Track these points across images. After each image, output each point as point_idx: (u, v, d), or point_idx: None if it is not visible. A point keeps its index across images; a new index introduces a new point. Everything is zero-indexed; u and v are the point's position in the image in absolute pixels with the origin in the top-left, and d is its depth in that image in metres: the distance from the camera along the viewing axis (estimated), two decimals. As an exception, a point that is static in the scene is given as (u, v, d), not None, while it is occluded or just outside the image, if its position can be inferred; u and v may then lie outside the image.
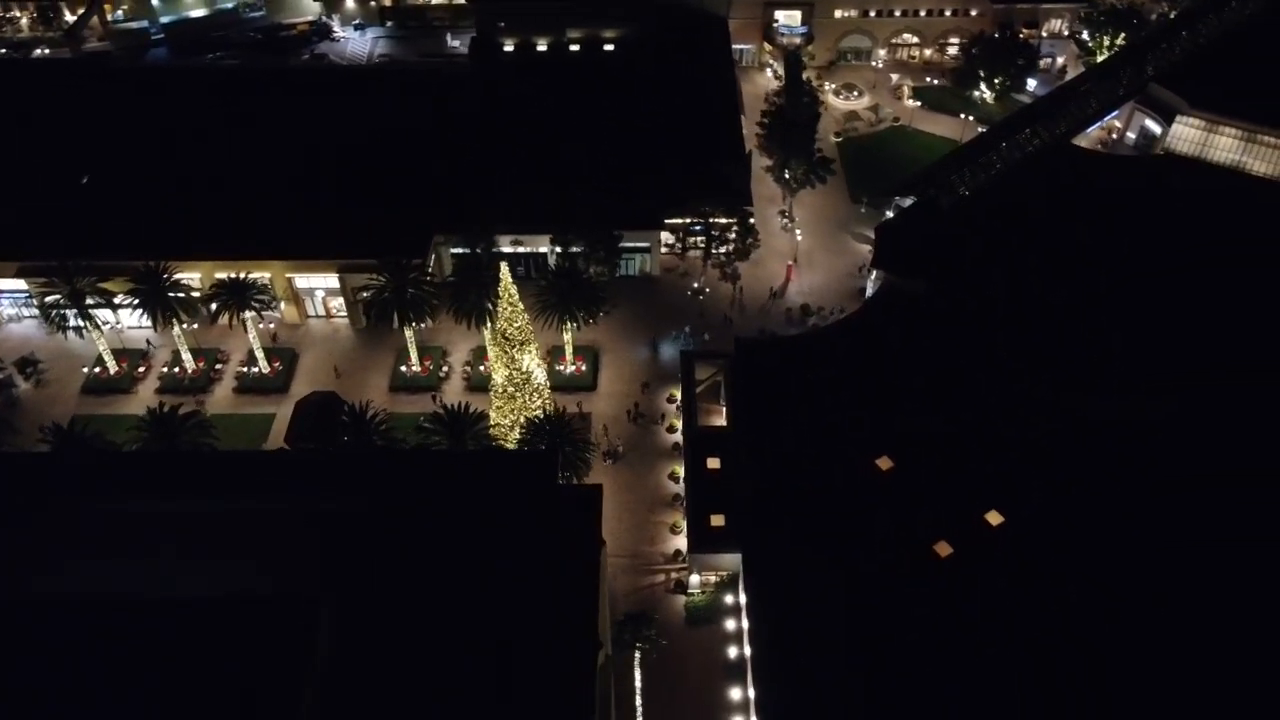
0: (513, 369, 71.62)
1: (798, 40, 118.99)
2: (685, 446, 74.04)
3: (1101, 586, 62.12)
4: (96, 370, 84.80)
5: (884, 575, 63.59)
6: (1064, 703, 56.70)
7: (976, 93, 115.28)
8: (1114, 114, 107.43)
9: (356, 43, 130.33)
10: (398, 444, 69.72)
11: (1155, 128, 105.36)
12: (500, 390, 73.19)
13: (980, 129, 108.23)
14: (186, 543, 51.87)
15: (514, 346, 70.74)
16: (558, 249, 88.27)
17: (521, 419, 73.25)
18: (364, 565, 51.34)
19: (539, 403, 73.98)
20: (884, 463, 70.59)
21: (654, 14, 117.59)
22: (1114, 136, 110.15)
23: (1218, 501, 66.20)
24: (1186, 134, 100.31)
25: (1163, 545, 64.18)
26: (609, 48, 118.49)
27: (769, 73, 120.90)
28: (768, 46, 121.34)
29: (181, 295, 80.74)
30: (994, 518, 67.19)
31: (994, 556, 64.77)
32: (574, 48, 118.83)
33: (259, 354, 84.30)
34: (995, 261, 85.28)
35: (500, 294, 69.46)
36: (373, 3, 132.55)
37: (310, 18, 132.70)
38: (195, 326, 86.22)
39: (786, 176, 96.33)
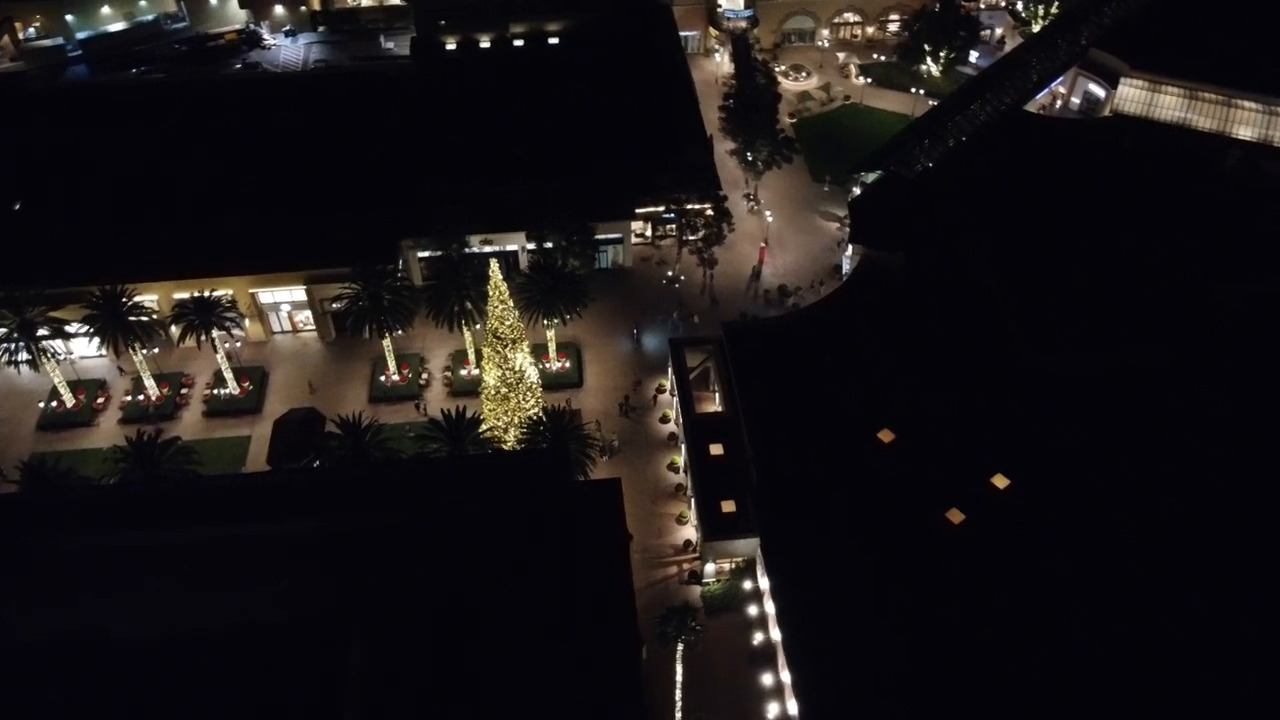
0: (506, 369, 69.58)
1: (743, 24, 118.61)
2: (685, 435, 72.86)
3: (1114, 543, 62.82)
4: (53, 404, 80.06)
5: (902, 547, 63.40)
6: (1093, 660, 57.14)
7: (923, 67, 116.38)
8: (1059, 80, 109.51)
9: (289, 50, 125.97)
10: (395, 455, 67.06)
11: (1099, 91, 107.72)
12: (493, 392, 71.05)
13: (931, 102, 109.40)
14: (209, 573, 48.95)
15: (506, 345, 68.73)
16: (532, 245, 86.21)
17: (516, 419, 71.36)
18: (394, 578, 49.00)
19: (533, 402, 72.12)
20: (886, 436, 70.45)
21: (597, 5, 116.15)
22: (1058, 103, 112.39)
23: (1216, 450, 67.66)
24: (1132, 95, 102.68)
25: (1167, 498, 65.20)
26: (553, 41, 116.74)
27: (717, 58, 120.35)
28: (713, 32, 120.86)
29: (143, 319, 76.53)
30: (1000, 481, 67.58)
31: (1006, 520, 65.10)
32: (518, 43, 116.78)
33: (228, 374, 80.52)
34: (968, 229, 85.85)
35: (490, 292, 67.38)
36: (303, 8, 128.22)
37: (237, 26, 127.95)
38: (156, 351, 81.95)
39: (751, 159, 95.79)
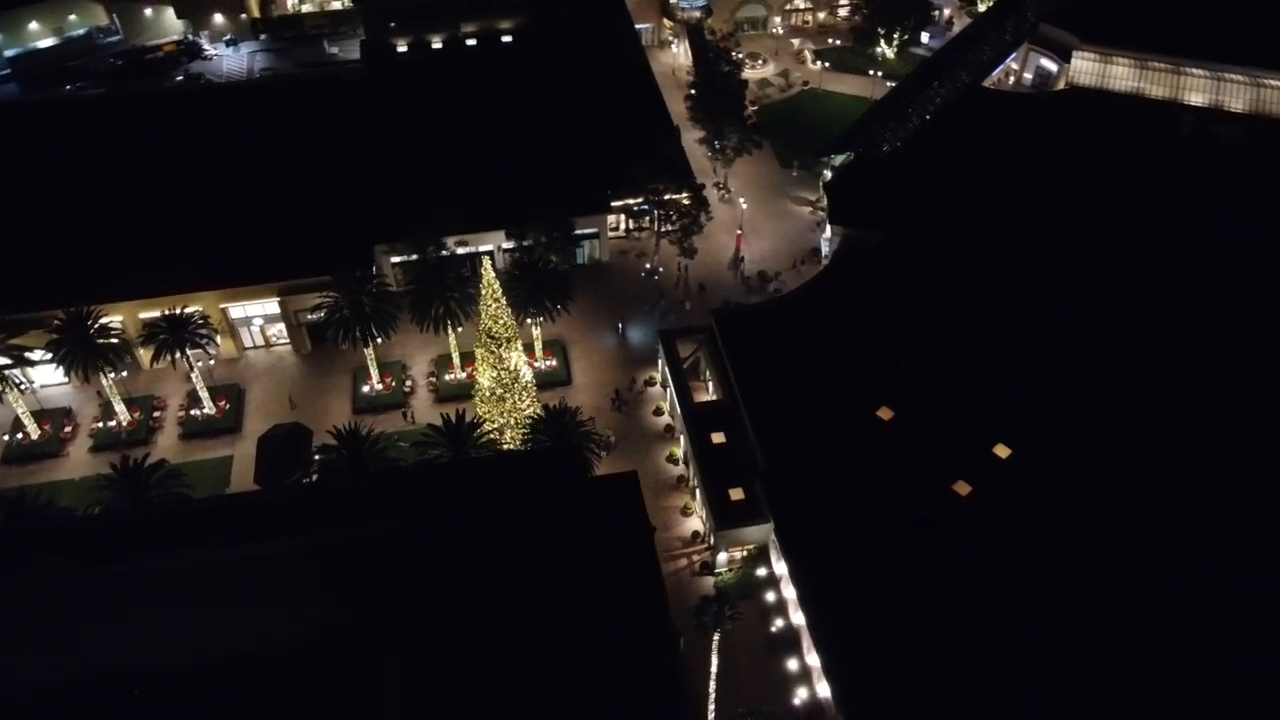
0: (501, 369, 67.99)
1: (697, 14, 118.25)
2: (686, 425, 71.96)
3: (1115, 507, 63.49)
4: (18, 437, 76.16)
5: (914, 521, 63.36)
6: (1112, 625, 57.69)
7: (878, 49, 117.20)
8: (1012, 56, 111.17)
9: (232, 59, 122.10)
10: (394, 463, 65.04)
11: (1051, 66, 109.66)
12: (487, 393, 69.41)
13: (889, 84, 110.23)
14: (221, 596, 46.74)
15: (500, 345, 67.16)
16: (510, 243, 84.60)
17: (513, 420, 69.82)
18: (420, 585, 47.29)
19: (528, 401, 70.66)
20: (885, 413, 70.51)
21: (550, 1, 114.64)
22: (1011, 79, 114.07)
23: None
24: (1086, 68, 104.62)
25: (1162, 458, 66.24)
26: (507, 39, 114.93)
27: (674, 49, 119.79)
28: (667, 23, 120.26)
29: (113, 341, 73.21)
30: (1002, 450, 68.04)
31: (1011, 488, 65.52)
32: (471, 43, 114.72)
33: (203, 394, 77.44)
34: (940, 206, 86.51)
35: (483, 290, 65.78)
36: (243, 16, 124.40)
37: (175, 37, 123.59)
38: (125, 375, 78.49)
39: (720, 146, 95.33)
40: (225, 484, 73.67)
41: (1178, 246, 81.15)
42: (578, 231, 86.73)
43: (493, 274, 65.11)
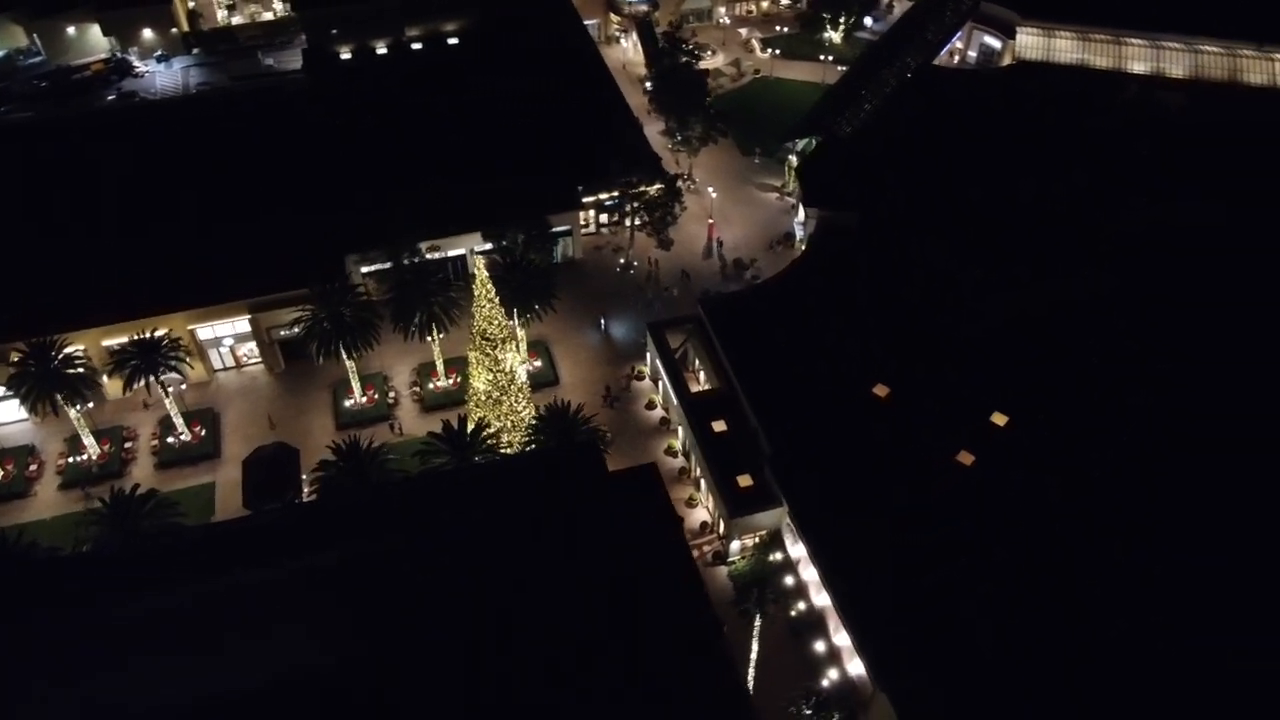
0: (497, 371, 66.38)
1: (643, 8, 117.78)
2: (685, 416, 71.17)
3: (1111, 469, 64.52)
4: (-21, 480, 72.03)
5: (924, 493, 63.60)
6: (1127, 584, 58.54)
7: (825, 35, 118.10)
8: (957, 35, 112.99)
9: (165, 75, 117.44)
10: (398, 475, 62.94)
11: (994, 43, 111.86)
12: (483, 397, 67.70)
13: (840, 68, 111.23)
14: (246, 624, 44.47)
15: (496, 346, 65.57)
16: (488, 245, 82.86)
17: (510, 423, 68.27)
18: (451, 594, 45.64)
19: (524, 403, 69.19)
20: (881, 390, 70.76)
21: (491, 1, 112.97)
22: (955, 59, 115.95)
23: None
24: (1031, 42, 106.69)
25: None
26: (454, 41, 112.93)
27: (623, 44, 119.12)
28: (614, 18, 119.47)
29: (79, 371, 69.58)
30: (999, 419, 68.77)
31: (1012, 455, 66.21)
32: (416, 46, 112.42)
33: (178, 420, 74.11)
34: (914, 183, 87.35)
35: (476, 291, 64.13)
36: (173, 30, 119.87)
37: (103, 56, 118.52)
38: (91, 406, 74.71)
39: (684, 137, 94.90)
40: (210, 511, 70.55)
41: (1128, 214, 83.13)
42: (554, 230, 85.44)
43: (485, 274, 63.44)
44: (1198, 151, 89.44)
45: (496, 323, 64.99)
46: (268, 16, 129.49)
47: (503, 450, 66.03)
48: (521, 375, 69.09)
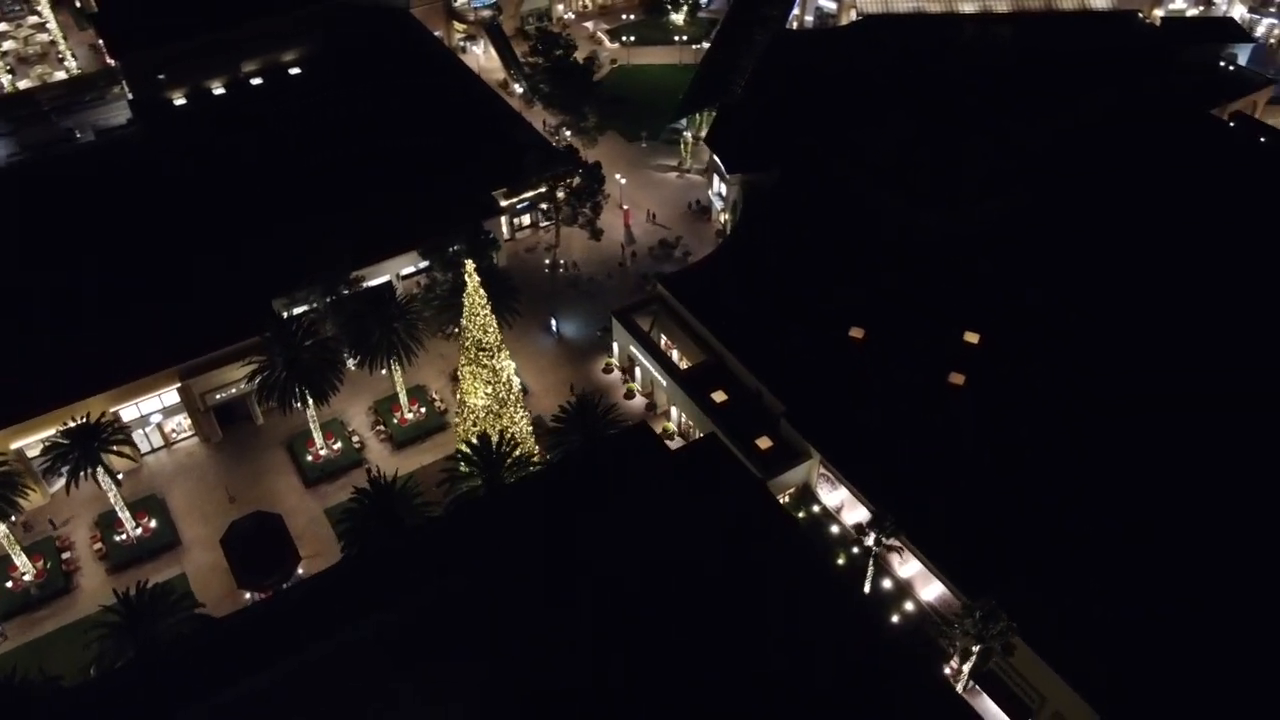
0: (496, 383, 62.47)
1: (488, 13, 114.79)
2: (684, 392, 69.57)
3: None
4: (-105, 633, 60.28)
5: (938, 417, 65.44)
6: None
7: (670, 18, 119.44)
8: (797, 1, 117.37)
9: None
10: (428, 508, 57.94)
11: (829, 4, 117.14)
12: (482, 413, 63.49)
13: (695, 47, 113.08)
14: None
15: (492, 355, 61.70)
16: (418, 264, 77.99)
17: (511, 435, 64.44)
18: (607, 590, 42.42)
19: (522, 414, 65.64)
20: (857, 332, 72.16)
21: (330, 24, 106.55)
22: (795, 24, 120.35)
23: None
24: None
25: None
26: (295, 70, 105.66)
27: (475, 50, 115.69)
28: (459, 26, 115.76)
29: (7, 474, 59.70)
30: (971, 337, 71.75)
31: (992, 369, 69.21)
32: (256, 81, 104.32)
33: (123, 514, 65.01)
34: (815, 137, 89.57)
35: (466, 301, 60.01)
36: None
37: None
38: (24, 517, 64.38)
39: (582, 127, 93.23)
40: (193, 603, 62.27)
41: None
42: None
43: (477, 280, 59.45)
44: (1030, 75, 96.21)
45: (492, 331, 61.12)
46: (60, 75, 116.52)
47: (531, 460, 62.25)
48: (517, 384, 65.40)
